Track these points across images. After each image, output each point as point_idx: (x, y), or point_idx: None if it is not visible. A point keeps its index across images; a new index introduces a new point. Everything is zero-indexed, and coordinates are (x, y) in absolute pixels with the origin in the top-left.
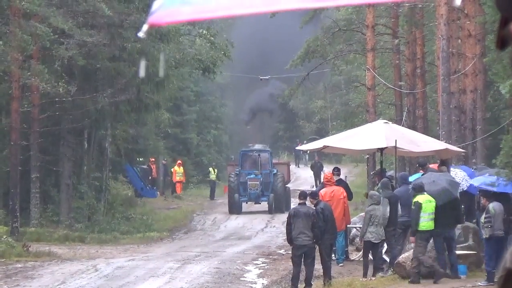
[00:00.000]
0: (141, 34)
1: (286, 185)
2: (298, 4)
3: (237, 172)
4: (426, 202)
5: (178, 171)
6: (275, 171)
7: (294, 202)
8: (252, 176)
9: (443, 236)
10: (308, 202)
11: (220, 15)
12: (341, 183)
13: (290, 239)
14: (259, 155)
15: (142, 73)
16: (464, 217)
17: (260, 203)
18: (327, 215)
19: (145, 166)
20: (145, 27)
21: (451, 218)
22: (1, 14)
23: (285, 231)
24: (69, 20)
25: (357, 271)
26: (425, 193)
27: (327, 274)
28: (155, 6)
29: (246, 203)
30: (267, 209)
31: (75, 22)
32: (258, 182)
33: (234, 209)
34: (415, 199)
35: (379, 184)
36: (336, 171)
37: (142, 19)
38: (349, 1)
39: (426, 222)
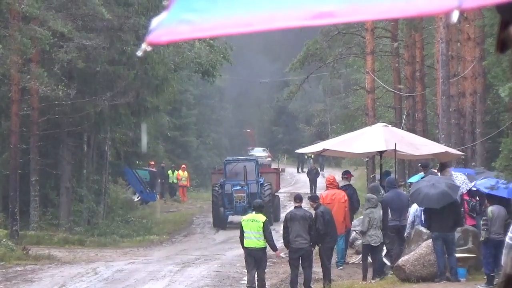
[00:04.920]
0: (139, 53)
1: (275, 193)
2: (296, 22)
3: (221, 183)
4: (247, 221)
5: (182, 175)
6: (261, 181)
7: (286, 210)
8: (237, 187)
9: (443, 239)
10: (304, 205)
11: (218, 33)
12: (348, 188)
13: (287, 242)
14: (244, 165)
15: (144, 148)
16: (464, 220)
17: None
18: (328, 219)
19: (154, 169)
20: (144, 46)
21: (450, 221)
22: (1, 17)
23: (282, 234)
24: (69, 23)
25: (357, 274)
26: (253, 212)
27: (327, 277)
28: (153, 24)
29: (232, 216)
30: None
31: (74, 26)
32: (244, 194)
33: (219, 223)
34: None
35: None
36: (345, 174)
37: (142, 22)
38: (349, 18)
39: (248, 240)
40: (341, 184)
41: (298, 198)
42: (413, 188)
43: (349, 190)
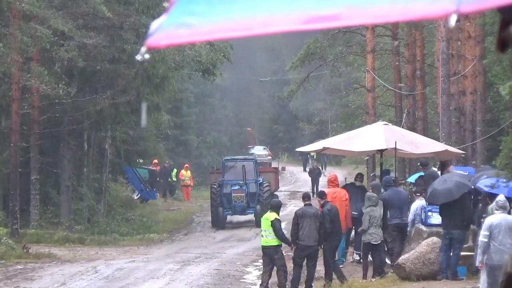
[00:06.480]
0: (139, 57)
1: (274, 193)
2: (294, 26)
3: (220, 183)
4: (262, 219)
5: (185, 174)
6: (260, 180)
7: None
8: (236, 187)
9: (450, 237)
10: (313, 202)
11: (217, 37)
12: (364, 190)
13: (295, 239)
14: (243, 164)
15: (144, 122)
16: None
17: (246, 215)
18: (334, 217)
19: (154, 168)
20: (143, 50)
21: (457, 219)
22: (1, 16)
23: (291, 231)
24: (69, 22)
25: (357, 273)
26: (272, 211)
27: (328, 276)
28: (153, 28)
29: (231, 216)
30: (252, 219)
31: (75, 24)
32: (243, 194)
33: (218, 223)
34: None
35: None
36: (359, 177)
37: (142, 21)
38: (347, 22)
39: (262, 238)
40: (357, 184)
41: (307, 197)
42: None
43: (360, 191)
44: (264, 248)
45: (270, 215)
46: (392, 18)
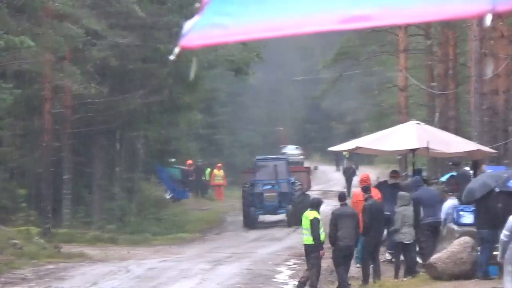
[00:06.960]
0: (172, 57)
1: (306, 192)
2: (327, 26)
3: (252, 182)
4: (303, 217)
5: (217, 174)
6: (292, 180)
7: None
8: (268, 187)
9: (480, 237)
10: (335, 204)
11: (250, 37)
12: (396, 188)
13: (334, 240)
14: (275, 164)
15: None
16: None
17: (277, 215)
18: (374, 212)
19: (186, 167)
20: (176, 50)
21: (482, 219)
22: (34, 15)
23: (329, 232)
24: (102, 21)
25: (388, 272)
26: (312, 210)
27: (365, 274)
28: (186, 28)
29: (263, 215)
30: (284, 218)
31: (107, 23)
32: (275, 194)
33: (249, 222)
34: None
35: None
36: (392, 173)
37: (175, 20)
38: (381, 22)
39: (304, 236)
40: (390, 182)
41: (342, 197)
42: None
43: (396, 189)
44: (305, 246)
45: (310, 214)
46: (426, 18)
